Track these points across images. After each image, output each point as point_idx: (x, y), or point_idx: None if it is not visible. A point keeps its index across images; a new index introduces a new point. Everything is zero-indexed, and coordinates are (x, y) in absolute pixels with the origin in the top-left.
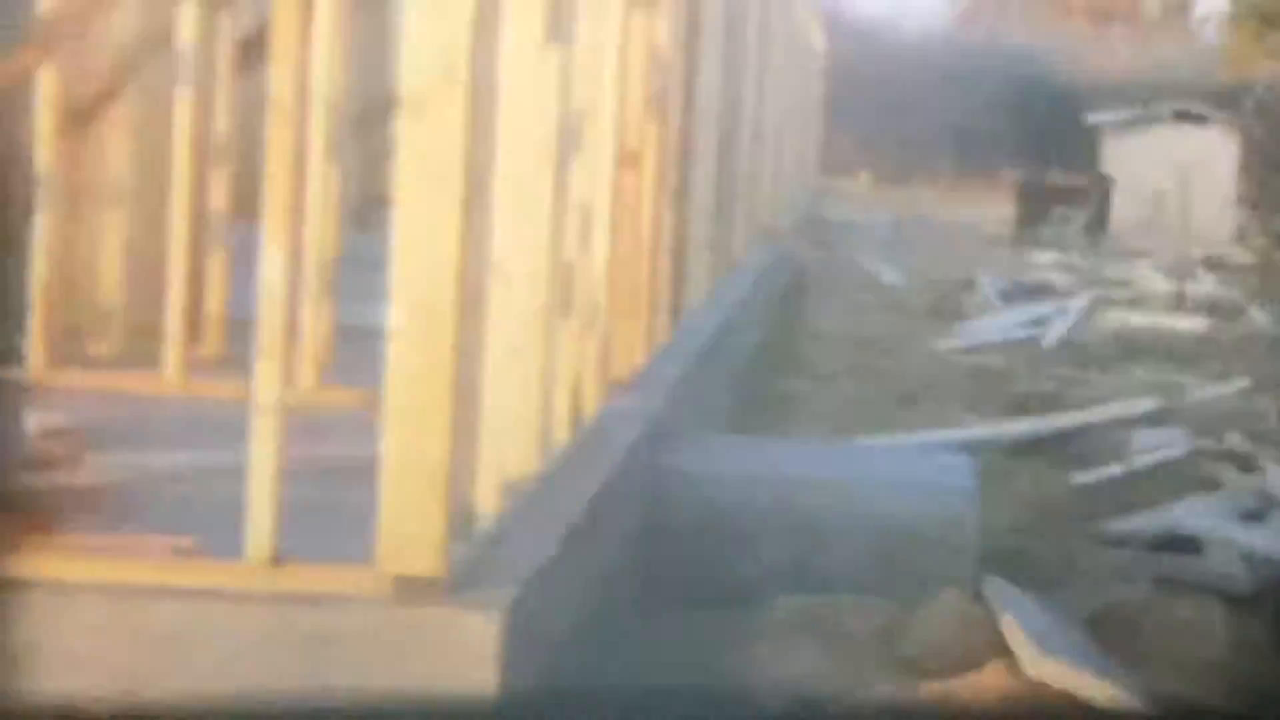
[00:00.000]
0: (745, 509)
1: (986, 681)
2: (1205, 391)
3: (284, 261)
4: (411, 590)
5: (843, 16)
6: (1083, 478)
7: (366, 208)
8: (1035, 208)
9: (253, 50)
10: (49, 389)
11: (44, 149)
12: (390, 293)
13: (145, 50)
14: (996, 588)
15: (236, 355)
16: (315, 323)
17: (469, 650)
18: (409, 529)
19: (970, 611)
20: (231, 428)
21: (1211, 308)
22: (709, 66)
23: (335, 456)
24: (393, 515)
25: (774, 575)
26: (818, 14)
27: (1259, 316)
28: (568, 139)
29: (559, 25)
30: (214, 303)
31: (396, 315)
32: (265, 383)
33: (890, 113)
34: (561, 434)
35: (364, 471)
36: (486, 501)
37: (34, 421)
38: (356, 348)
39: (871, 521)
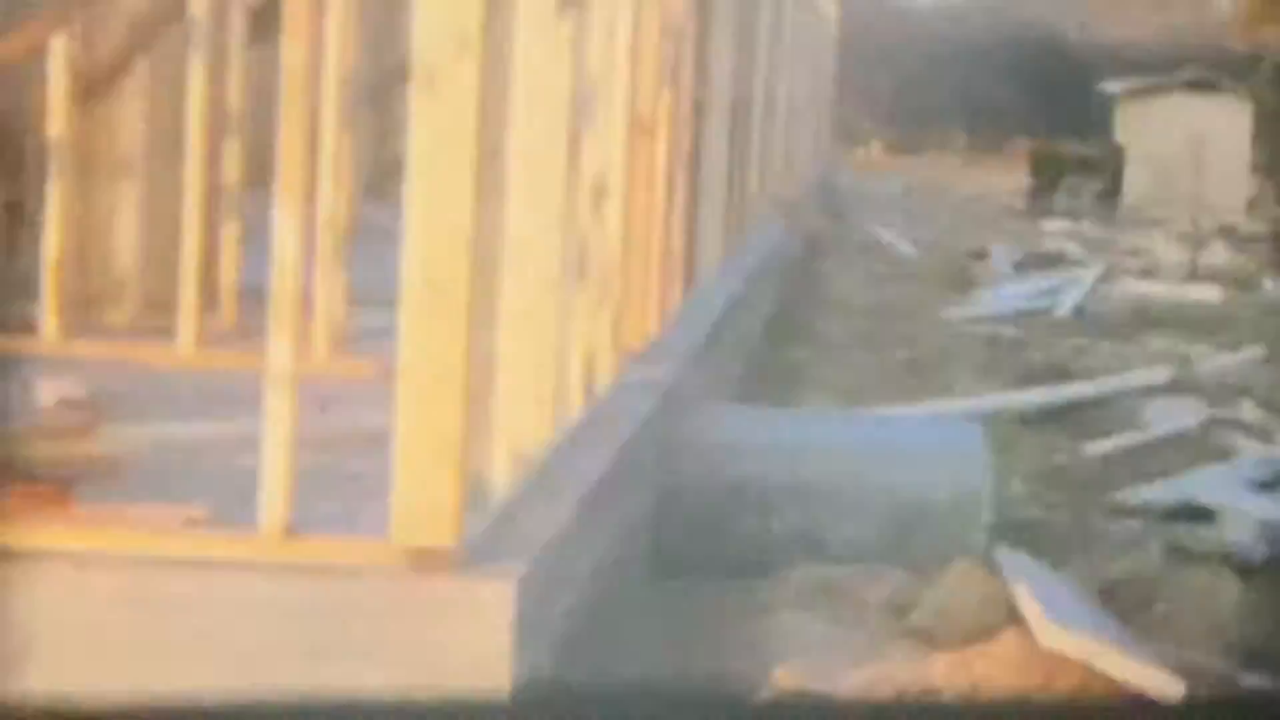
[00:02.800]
0: (757, 479)
1: (999, 651)
2: (1219, 361)
3: (297, 232)
4: (425, 561)
5: None
6: (1095, 448)
7: (381, 177)
8: (1048, 177)
9: (265, 20)
10: (63, 358)
11: (57, 119)
12: (403, 263)
13: (158, 20)
14: (1009, 558)
15: (251, 325)
16: (328, 293)
17: (483, 621)
18: (422, 500)
19: (983, 582)
20: (246, 398)
21: (1225, 277)
22: (721, 34)
23: (348, 427)
24: (406, 486)
25: (786, 545)
26: None
27: (1272, 286)
28: (581, 108)
29: None
30: (228, 273)
31: (409, 286)
32: (278, 353)
33: (903, 82)
34: (574, 404)
35: (377, 442)
36: (500, 472)
37: (48, 391)
38: (369, 318)
39: (883, 492)
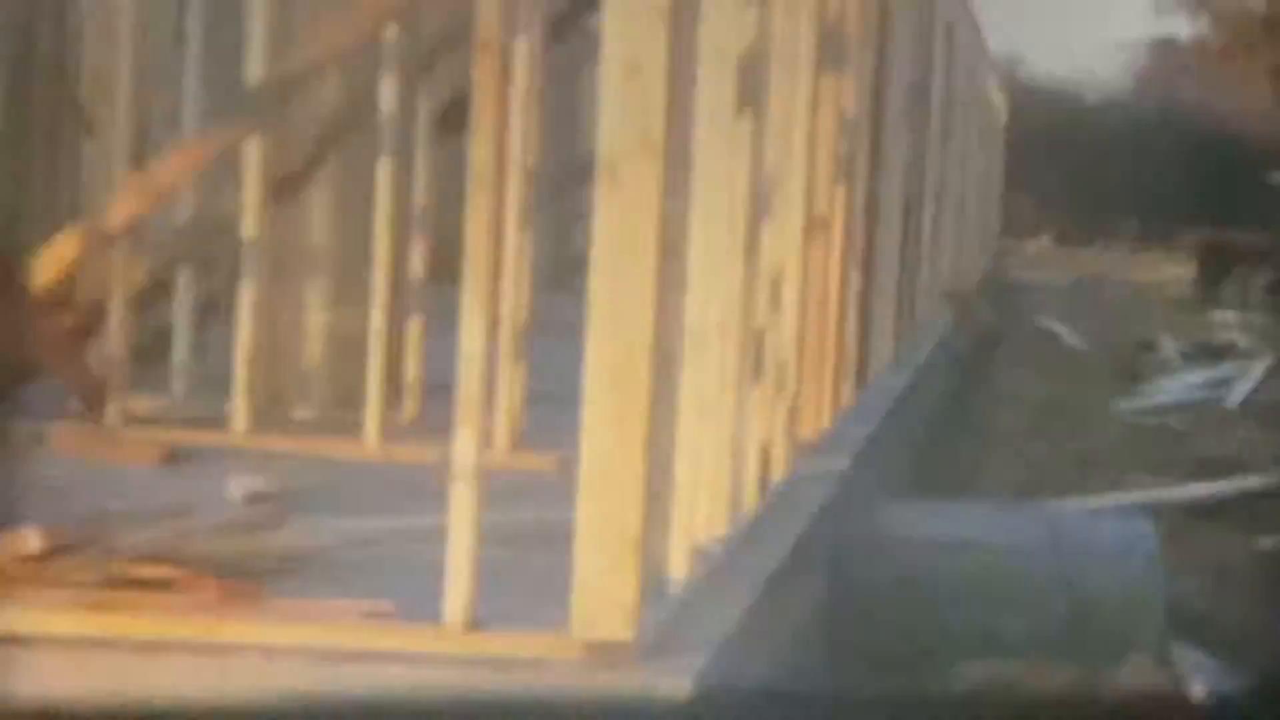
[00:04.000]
0: (929, 572)
1: None
2: None
3: (483, 328)
4: (604, 655)
5: (1022, 78)
6: (1268, 542)
7: (560, 271)
8: (1217, 268)
9: (450, 117)
10: (253, 452)
11: (250, 217)
12: (586, 358)
13: (348, 120)
14: (1183, 653)
15: (432, 419)
16: (510, 387)
17: (660, 716)
18: (602, 594)
19: (1157, 677)
20: (427, 491)
21: None
22: (895, 128)
23: (528, 521)
24: (586, 580)
25: (958, 639)
26: (998, 76)
27: None
28: (759, 204)
29: (751, 90)
30: (412, 368)
31: (592, 380)
32: (463, 448)
33: (1072, 173)
34: (750, 497)
35: (556, 536)
36: (677, 566)
37: (238, 485)
38: (545, 410)
39: (1056, 586)
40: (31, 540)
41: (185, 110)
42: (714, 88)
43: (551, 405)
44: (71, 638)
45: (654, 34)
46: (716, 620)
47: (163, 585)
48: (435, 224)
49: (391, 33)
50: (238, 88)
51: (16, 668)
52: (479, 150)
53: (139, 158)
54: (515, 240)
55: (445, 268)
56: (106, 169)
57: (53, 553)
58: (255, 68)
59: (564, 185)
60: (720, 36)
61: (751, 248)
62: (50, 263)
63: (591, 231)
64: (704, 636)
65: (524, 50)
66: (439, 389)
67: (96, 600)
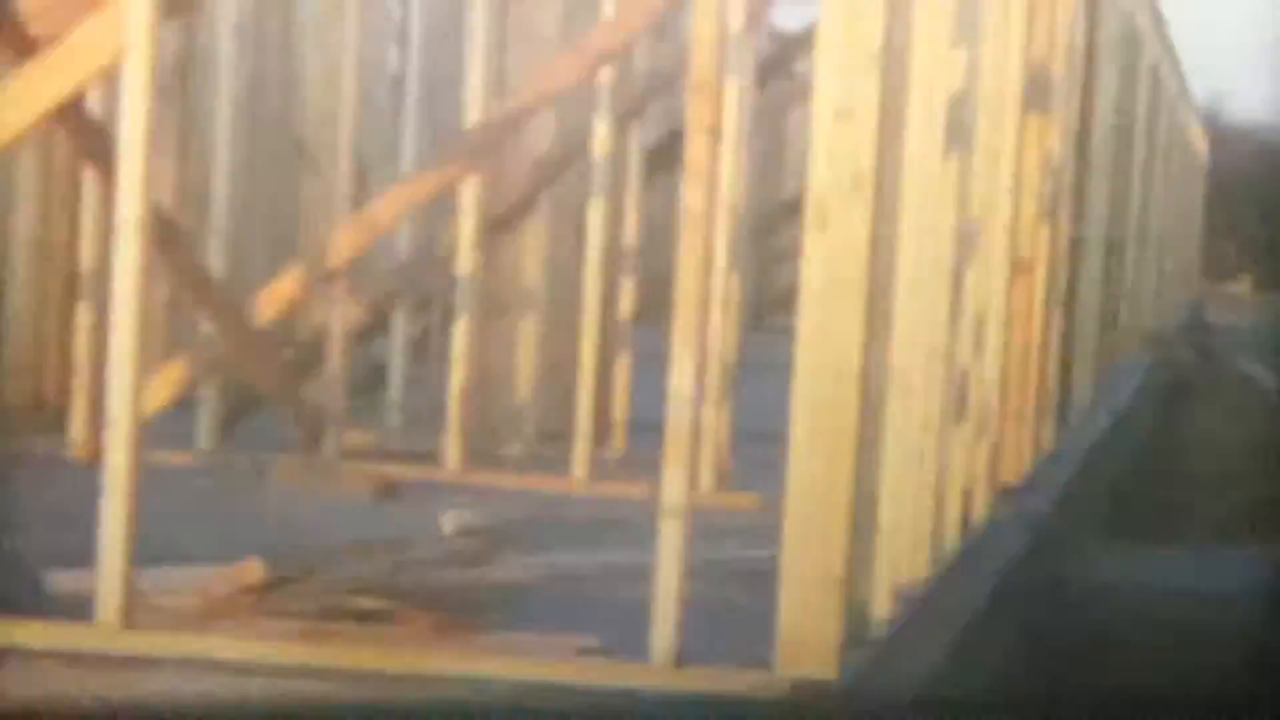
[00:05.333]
0: (1129, 616)
1: None
2: None
3: (692, 367)
4: (808, 693)
5: (1223, 121)
6: None
7: (762, 310)
8: None
9: (659, 158)
10: (463, 487)
11: (464, 256)
12: (792, 397)
13: (560, 161)
14: None
15: (637, 456)
16: (716, 426)
17: None
18: (806, 633)
19: None
20: (633, 528)
21: None
22: (1097, 171)
23: (732, 559)
24: (791, 619)
25: (1159, 685)
26: (1198, 117)
27: None
28: (964, 246)
29: (958, 133)
30: (619, 405)
31: (798, 420)
32: (672, 486)
33: (1270, 218)
34: (951, 539)
35: (759, 574)
36: (879, 606)
37: (449, 519)
38: (747, 448)
39: (1256, 633)
40: (254, 571)
41: (403, 151)
42: (922, 129)
43: (754, 443)
44: (291, 667)
45: (865, 77)
46: (917, 661)
47: (378, 617)
48: (644, 264)
49: (605, 75)
50: (455, 129)
51: (224, 693)
52: (691, 191)
53: (358, 198)
54: (723, 280)
55: (652, 307)
56: (327, 208)
57: (274, 584)
58: (472, 110)
59: (766, 226)
60: (929, 78)
61: (956, 289)
62: (273, 299)
63: (795, 272)
64: (905, 677)
65: (734, 92)
66: (645, 426)
67: (315, 630)
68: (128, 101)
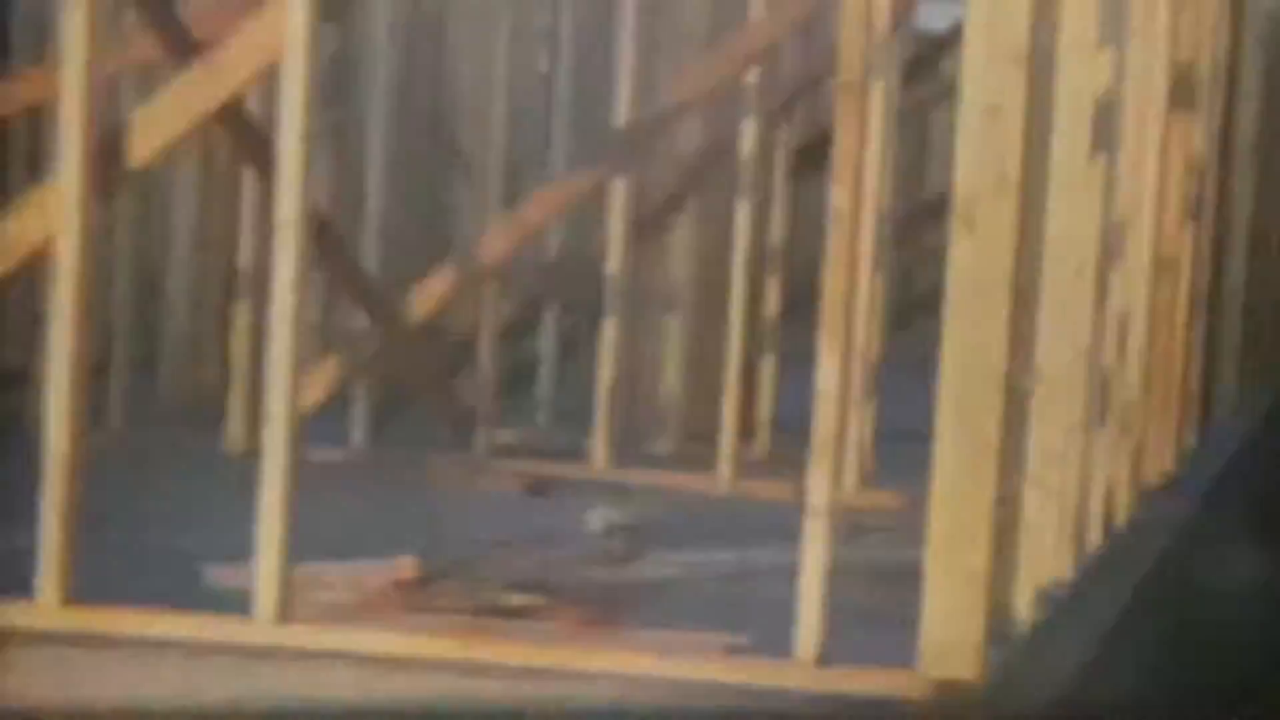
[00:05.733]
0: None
1: None
2: None
3: (839, 367)
4: (952, 694)
5: None
6: None
7: (905, 311)
8: None
9: (806, 157)
10: (611, 485)
11: (613, 256)
12: (938, 397)
13: (708, 161)
14: None
15: (782, 456)
16: (861, 425)
17: None
18: (950, 633)
19: None
20: (778, 527)
21: None
22: (1242, 170)
23: (875, 558)
24: (934, 618)
25: None
26: None
27: None
28: (1108, 247)
29: (1104, 134)
30: (764, 406)
31: (943, 419)
32: (818, 486)
33: None
34: (1094, 540)
35: (903, 574)
36: (1022, 606)
37: (597, 517)
38: (889, 449)
39: None
40: (407, 568)
41: (554, 152)
42: (1069, 130)
43: (896, 443)
44: (443, 662)
45: (1013, 77)
46: (1060, 663)
47: (528, 613)
48: (789, 263)
49: (752, 76)
50: (604, 130)
51: (379, 689)
52: (839, 190)
53: (510, 198)
54: (869, 279)
55: (797, 306)
56: (479, 208)
57: (426, 580)
58: (621, 110)
59: (909, 226)
60: (1076, 78)
61: (1100, 291)
62: (426, 297)
63: (938, 272)
64: (1048, 679)
65: (880, 92)
66: (790, 426)
67: (466, 626)
68: (287, 103)
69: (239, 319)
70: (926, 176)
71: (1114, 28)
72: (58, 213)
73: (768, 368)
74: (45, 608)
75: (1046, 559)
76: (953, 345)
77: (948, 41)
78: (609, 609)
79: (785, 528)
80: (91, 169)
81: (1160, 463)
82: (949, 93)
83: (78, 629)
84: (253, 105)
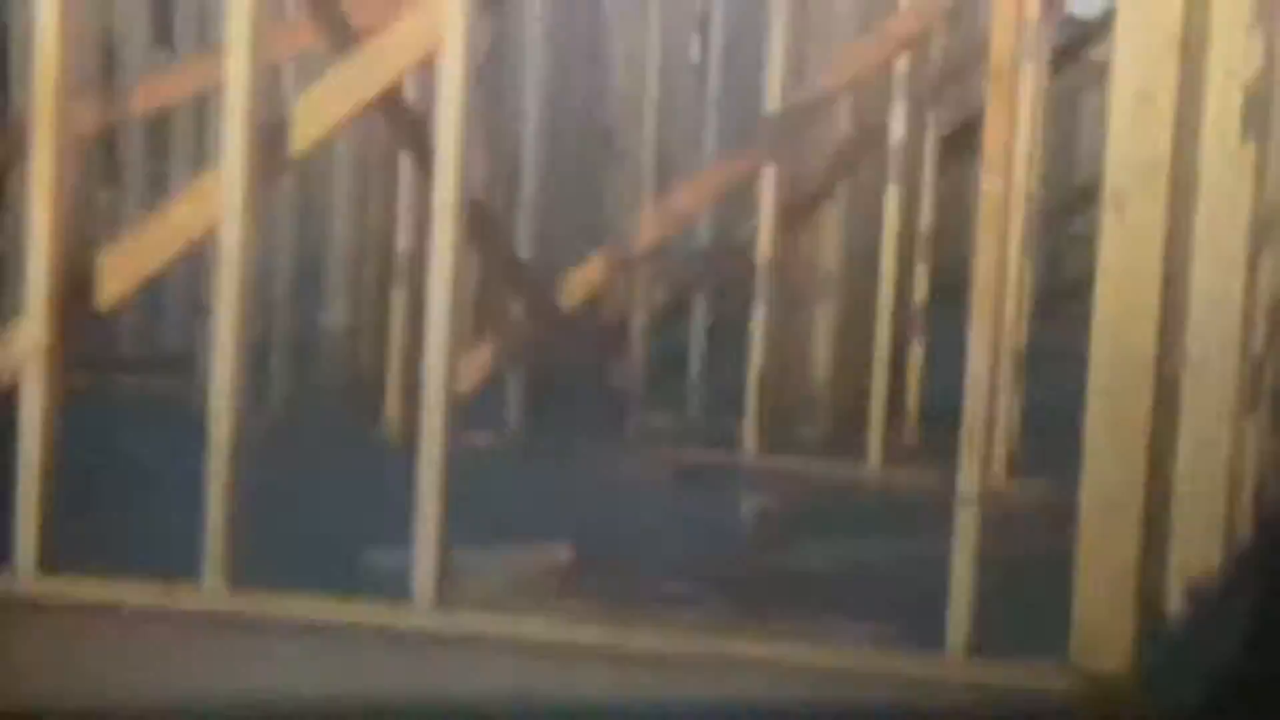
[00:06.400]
0: None
1: None
2: None
3: (989, 354)
4: (1103, 687)
5: None
6: None
7: (1053, 299)
8: None
9: (954, 143)
10: (762, 471)
11: (763, 243)
12: (1088, 386)
13: (859, 148)
14: None
15: (928, 444)
16: (1008, 413)
17: None
18: (1102, 625)
19: None
20: (927, 515)
21: None
22: None
23: (1021, 548)
24: (1086, 610)
25: None
26: None
27: None
28: (1258, 233)
29: (1256, 120)
30: (913, 391)
31: (1094, 409)
32: (969, 474)
33: None
34: (1244, 530)
35: (1050, 564)
36: (1173, 598)
37: (748, 503)
38: (1035, 438)
39: None
40: (561, 554)
41: (705, 139)
42: (1219, 115)
43: (1042, 433)
44: (593, 647)
45: (1166, 62)
46: (1211, 655)
47: (680, 601)
48: (938, 249)
49: (902, 62)
50: (755, 117)
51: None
52: (989, 177)
53: (662, 185)
54: (1018, 266)
55: (945, 292)
56: (632, 195)
57: (579, 566)
58: (772, 98)
59: (1057, 213)
60: (1228, 62)
61: (1251, 275)
62: (579, 284)
63: (1087, 259)
64: (1199, 671)
65: (1030, 78)
66: (938, 412)
67: (620, 614)
68: (444, 91)
69: (396, 304)
70: (1075, 163)
71: (1265, 13)
72: (221, 200)
73: (916, 354)
74: (211, 592)
75: (1197, 549)
76: (1102, 332)
77: (1098, 27)
78: (760, 597)
79: (935, 516)
80: (255, 156)
81: None
82: (1099, 79)
83: (240, 612)
84: (409, 92)
